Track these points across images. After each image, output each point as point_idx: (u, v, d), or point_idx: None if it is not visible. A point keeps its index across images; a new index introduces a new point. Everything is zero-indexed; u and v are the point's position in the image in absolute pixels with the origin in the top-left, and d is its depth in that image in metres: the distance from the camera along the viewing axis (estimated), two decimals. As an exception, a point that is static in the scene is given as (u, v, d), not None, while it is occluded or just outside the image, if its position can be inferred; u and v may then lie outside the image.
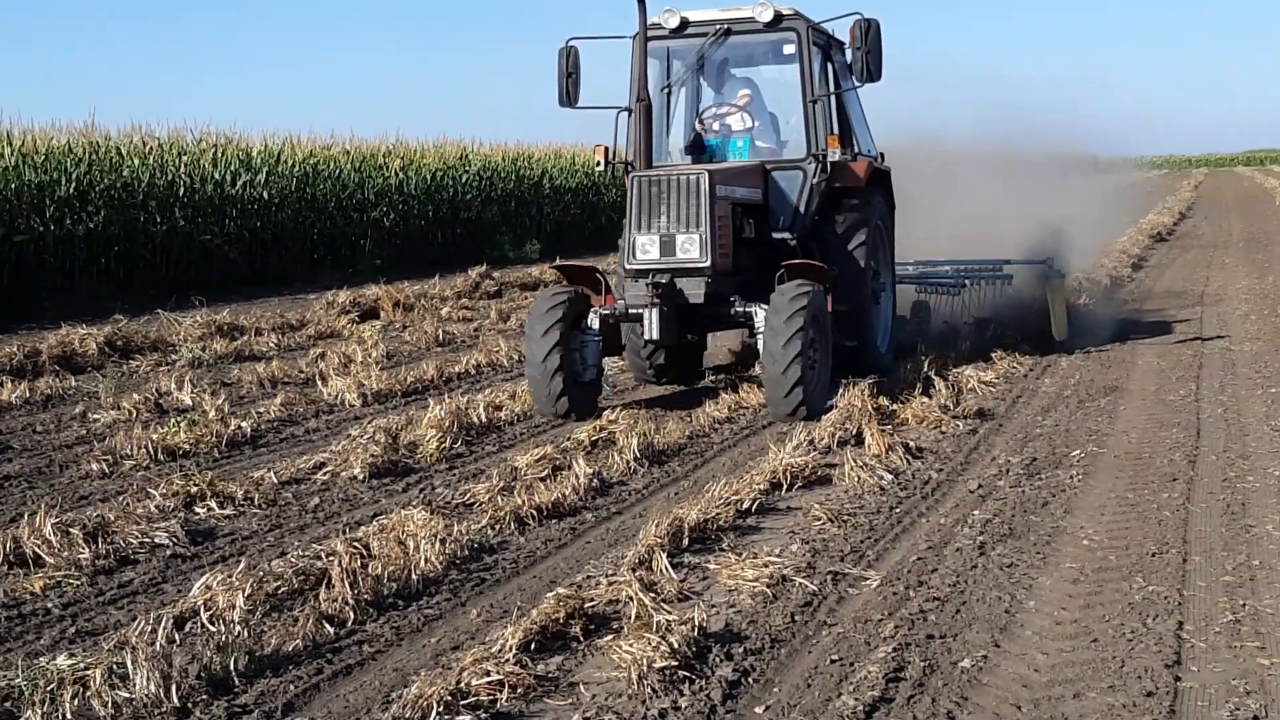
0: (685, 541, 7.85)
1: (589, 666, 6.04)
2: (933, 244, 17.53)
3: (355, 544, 7.35)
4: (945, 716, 5.46)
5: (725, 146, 13.48)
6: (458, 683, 5.58)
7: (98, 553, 7.61)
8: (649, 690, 5.65)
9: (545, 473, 9.59)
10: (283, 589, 6.94)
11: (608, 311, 12.14)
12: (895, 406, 11.63)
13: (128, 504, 8.60)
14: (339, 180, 28.89)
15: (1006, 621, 6.60)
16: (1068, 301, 16.29)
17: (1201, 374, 13.79)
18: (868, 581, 7.25)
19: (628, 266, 11.93)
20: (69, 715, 5.21)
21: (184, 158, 25.08)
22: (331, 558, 7.08)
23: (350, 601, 6.70)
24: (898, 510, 8.77)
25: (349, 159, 29.90)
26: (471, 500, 8.91)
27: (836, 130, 13.27)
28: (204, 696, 5.62)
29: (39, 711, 5.32)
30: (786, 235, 12.81)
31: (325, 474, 9.68)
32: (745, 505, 8.65)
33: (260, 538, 8.19)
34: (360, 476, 9.58)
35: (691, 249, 11.66)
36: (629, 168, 12.75)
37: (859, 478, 9.37)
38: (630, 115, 12.86)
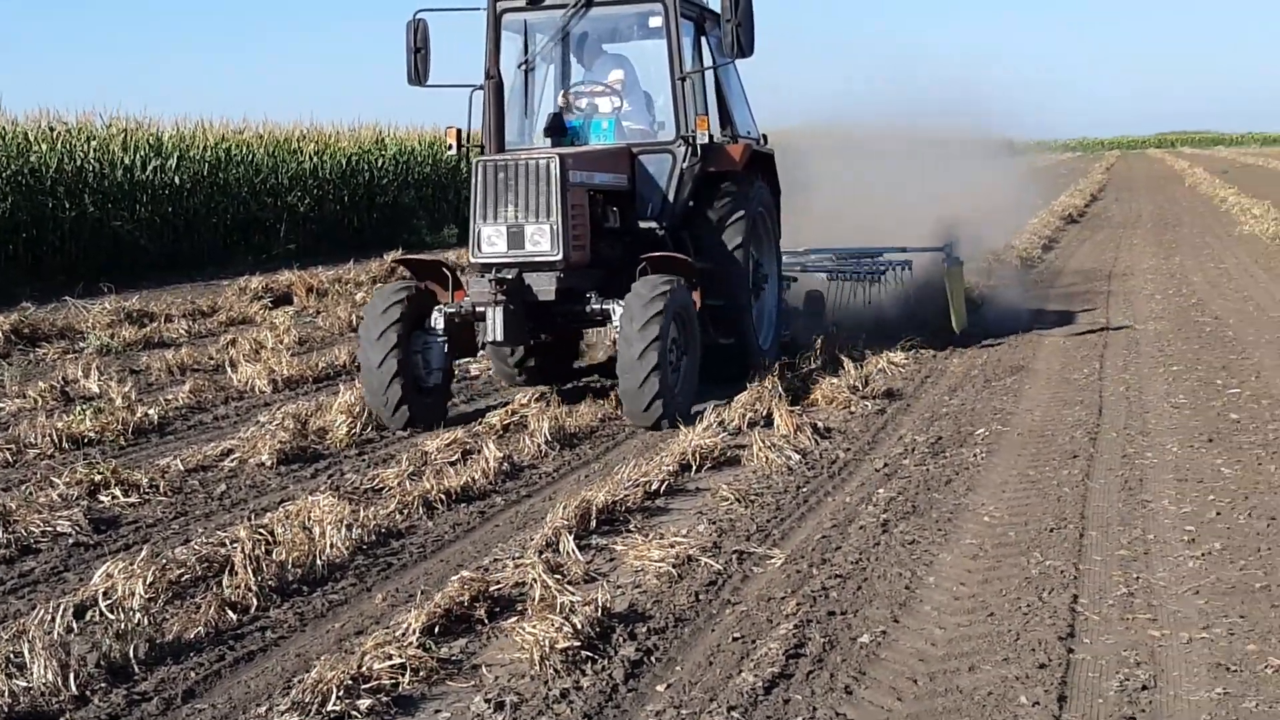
0: (593, 524, 7.89)
1: (493, 649, 6.07)
2: (840, 231, 17.50)
3: (260, 530, 7.32)
4: (843, 691, 5.55)
5: (588, 128, 12.39)
6: (359, 666, 5.59)
7: (-2, 542, 7.53)
8: (551, 671, 5.69)
9: (455, 457, 9.61)
10: (186, 576, 6.91)
11: (453, 310, 11.16)
12: (806, 387, 11.74)
13: (30, 492, 8.51)
14: (252, 165, 28.62)
15: (906, 597, 6.70)
16: (967, 290, 15.75)
17: (1106, 353, 14.04)
18: (772, 560, 7.33)
19: (473, 260, 11.07)
20: (-37, 706, 5.16)
21: (93, 143, 24.75)
22: (235, 544, 7.05)
23: (254, 588, 6.68)
24: (804, 490, 8.86)
25: (262, 144, 29.64)
26: (380, 485, 8.91)
27: (708, 110, 12.40)
28: (103, 684, 5.60)
29: (-67, 703, 5.27)
30: (654, 225, 11.88)
31: (233, 461, 9.63)
32: (654, 487, 8.71)
33: (165, 525, 8.13)
34: (268, 463, 9.54)
35: (542, 241, 10.76)
36: (481, 151, 11.69)
37: (767, 458, 9.47)
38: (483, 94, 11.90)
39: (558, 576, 6.79)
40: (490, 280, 10.74)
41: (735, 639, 6.14)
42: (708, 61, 12.76)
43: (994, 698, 5.43)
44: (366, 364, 10.79)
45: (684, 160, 11.98)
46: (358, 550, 7.54)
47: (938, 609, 6.55)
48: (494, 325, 10.71)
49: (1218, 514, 7.92)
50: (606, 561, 7.37)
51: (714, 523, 8.01)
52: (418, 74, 11.97)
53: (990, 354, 14.14)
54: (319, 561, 7.19)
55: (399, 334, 10.74)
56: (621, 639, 6.08)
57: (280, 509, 8.06)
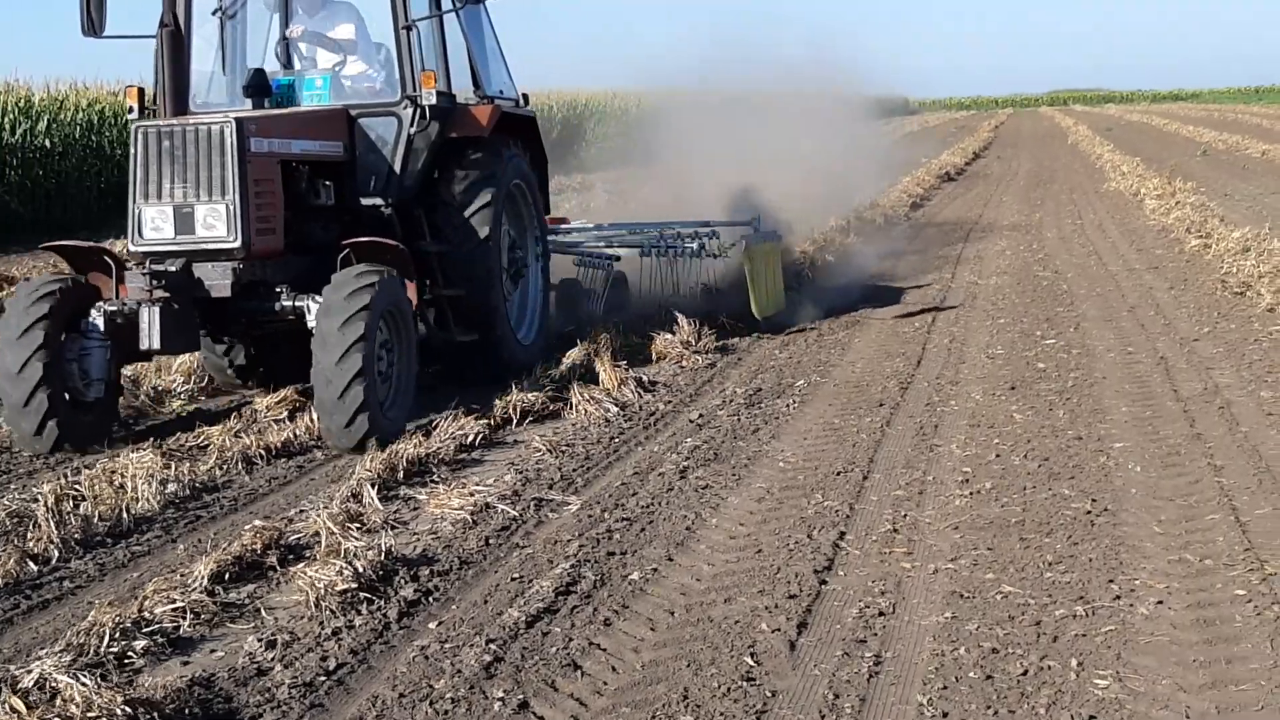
0: (401, 475, 8.19)
1: (280, 593, 6.36)
2: (693, 200, 16.87)
3: (69, 486, 7.54)
4: (601, 623, 5.91)
5: (300, 87, 10.71)
6: (139, 610, 5.86)
7: None
8: (327, 611, 6.00)
9: (284, 414, 9.84)
10: (-8, 531, 7.12)
11: (115, 307, 9.29)
12: (639, 341, 12.04)
13: None
14: (127, 128, 28.29)
15: (685, 537, 7.09)
16: (775, 271, 13.84)
17: (942, 306, 14.54)
18: (569, 506, 7.68)
19: (133, 248, 9.28)
20: None
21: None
22: (38, 500, 7.27)
23: (56, 540, 6.92)
24: (617, 440, 9.22)
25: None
26: (206, 443, 9.13)
27: (447, 65, 10.88)
28: (-110, 633, 5.82)
29: None
30: (379, 202, 10.40)
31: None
32: (470, 440, 9.02)
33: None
34: (99, 423, 9.69)
35: (216, 224, 9.04)
36: (153, 115, 10.18)
37: (587, 411, 9.82)
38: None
39: (357, 525, 7.11)
40: (145, 274, 9.13)
41: (514, 579, 6.49)
42: (437, 7, 11.02)
43: (740, 626, 5.82)
44: (3, 370, 8.87)
45: (411, 124, 10.47)
46: (169, 504, 7.80)
47: (712, 547, 6.94)
48: (148, 329, 9.01)
49: (997, 456, 8.39)
50: (410, 510, 7.68)
51: (521, 473, 8.35)
52: (92, 25, 10.13)
53: (831, 308, 14.51)
54: (126, 516, 7.43)
55: (46, 332, 8.89)
56: (403, 581, 6.39)
57: (98, 466, 8.26)
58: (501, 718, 4.98)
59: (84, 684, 4.84)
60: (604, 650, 5.62)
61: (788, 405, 10.10)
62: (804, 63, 27.32)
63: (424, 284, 10.17)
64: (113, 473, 7.91)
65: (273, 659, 5.52)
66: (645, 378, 10.95)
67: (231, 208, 9.05)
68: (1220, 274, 15.23)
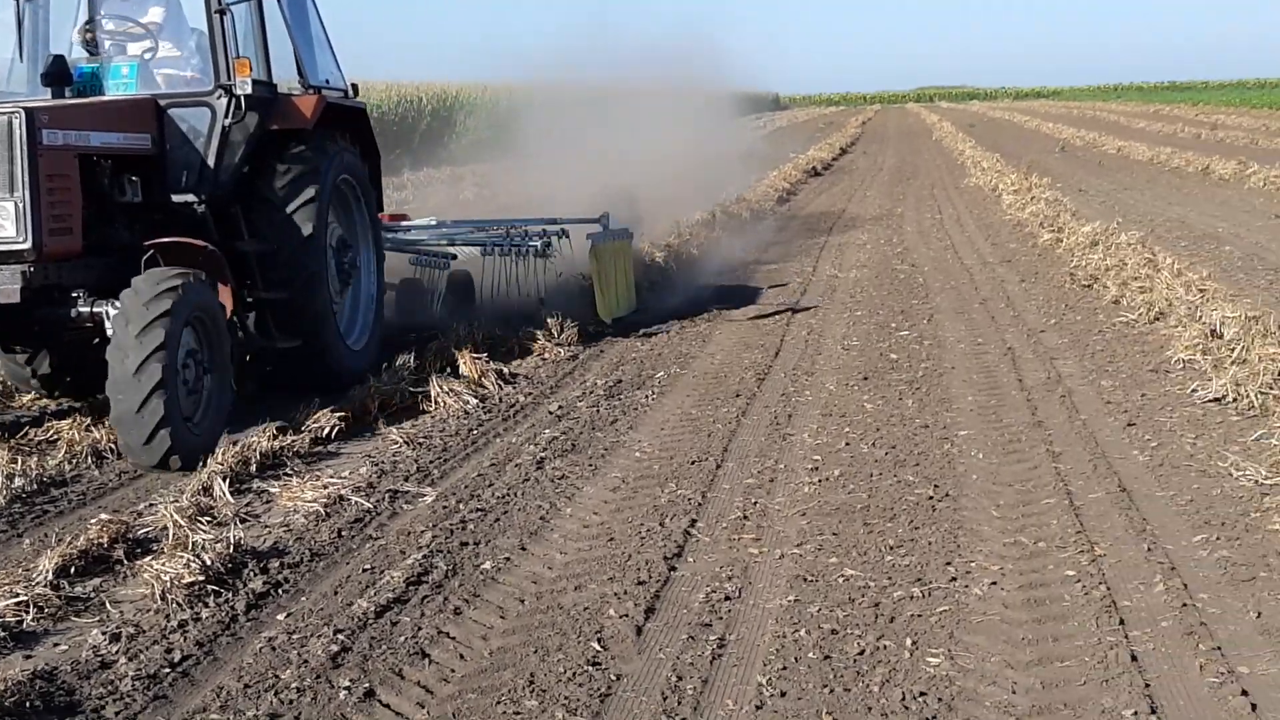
0: (254, 468, 8.15)
1: (126, 587, 6.31)
2: (548, 195, 16.86)
3: (-91, 482, 7.40)
4: (451, 612, 5.96)
5: (105, 74, 10.01)
6: (-21, 607, 5.79)
7: None
8: (174, 604, 5.97)
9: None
10: None
11: None
12: (500, 334, 12.07)
13: None
14: None
15: (539, 527, 7.16)
16: (625, 271, 13.69)
17: (802, 299, 14.77)
18: (425, 498, 7.71)
19: None
20: None
21: None
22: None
23: (-106, 537, 6.78)
24: (475, 432, 9.26)
25: None
26: (55, 437, 8.99)
27: (267, 52, 10.27)
28: None
29: None
30: (191, 198, 9.70)
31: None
32: (325, 432, 9.00)
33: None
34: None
35: (3, 224, 8.35)
36: None
37: (446, 403, 9.84)
38: None
39: (205, 518, 7.07)
40: None
41: (365, 570, 6.51)
42: None
43: (589, 612, 5.90)
44: None
45: (226, 115, 9.76)
46: (16, 499, 7.68)
47: (565, 536, 7.02)
48: None
49: (846, 444, 8.58)
50: (262, 504, 7.65)
51: (377, 465, 8.35)
52: None
53: (693, 302, 14.67)
54: (-31, 511, 7.32)
55: None
56: (253, 573, 6.38)
57: (-59, 462, 8.11)
58: (347, 706, 5.01)
59: (-81, 680, 4.78)
60: (453, 639, 5.67)
61: (647, 396, 10.21)
62: (673, 58, 27.50)
63: (244, 287, 9.71)
64: (-44, 468, 7.76)
65: (117, 651, 5.49)
66: (506, 370, 10.98)
67: (21, 205, 8.31)
68: (1070, 267, 15.68)
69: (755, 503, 7.47)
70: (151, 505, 7.50)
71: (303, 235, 9.94)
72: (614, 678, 5.23)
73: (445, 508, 7.50)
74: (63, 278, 8.78)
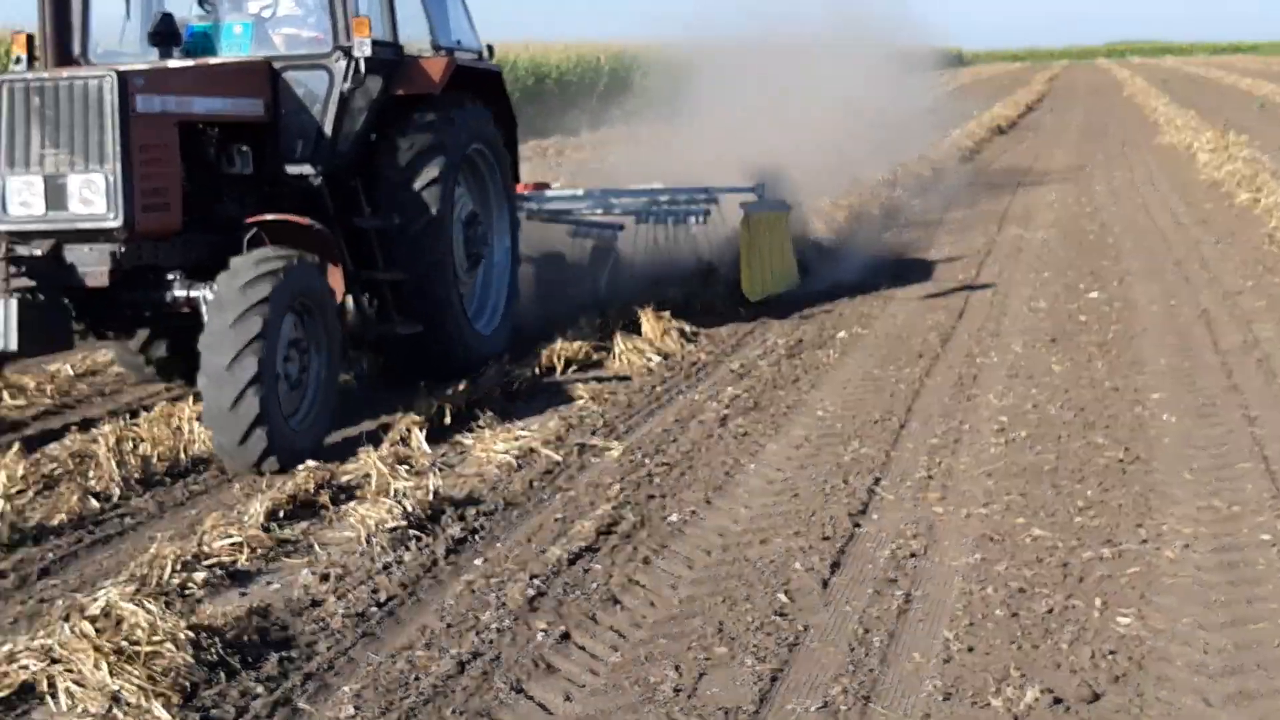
0: (449, 420, 8.41)
1: (331, 530, 6.60)
2: (726, 159, 16.27)
3: (129, 428, 7.80)
4: (641, 561, 6.12)
5: (217, 35, 9.32)
6: (199, 545, 6.12)
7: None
8: (378, 547, 6.24)
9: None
10: (57, 470, 7.40)
11: None
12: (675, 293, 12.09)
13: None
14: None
15: (724, 482, 7.28)
16: (781, 245, 12.57)
17: (986, 260, 14.62)
18: (611, 451, 7.88)
19: None
20: None
21: None
22: (98, 441, 7.53)
23: (117, 479, 7.18)
24: (659, 389, 9.41)
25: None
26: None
27: (392, 10, 9.50)
28: (-38, 564, 6.11)
29: None
30: (307, 170, 8.88)
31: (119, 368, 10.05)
32: (515, 387, 9.23)
33: (44, 422, 8.61)
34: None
35: (93, 198, 7.65)
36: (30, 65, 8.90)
37: (629, 360, 10.01)
38: None
39: (404, 466, 7.34)
40: (2, 259, 7.77)
41: (557, 520, 6.71)
42: None
43: (774, 565, 6.01)
44: None
45: (346, 80, 8.94)
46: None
47: (750, 492, 7.13)
48: (2, 327, 7.61)
49: (1034, 406, 8.52)
50: (457, 454, 7.90)
51: (565, 419, 8.55)
52: None
53: (873, 259, 14.61)
54: (184, 456, 7.70)
55: None
56: (450, 520, 6.62)
57: (156, 409, 8.52)
58: (545, 647, 5.19)
59: (149, 611, 5.08)
60: (643, 587, 5.83)
61: (828, 355, 10.25)
62: (850, 14, 27.05)
63: (362, 267, 8.99)
64: (170, 416, 8.15)
65: (326, 591, 5.76)
66: (687, 328, 11.09)
67: (111, 179, 7.61)
68: (1269, 228, 15.22)
69: (940, 462, 7.48)
70: (353, 454, 7.77)
71: (428, 210, 9.20)
72: (801, 628, 5.33)
73: (631, 461, 7.67)
74: (159, 258, 8.10)
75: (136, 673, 4.73)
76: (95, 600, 5.28)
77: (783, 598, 5.63)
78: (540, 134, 33.08)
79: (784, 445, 7.95)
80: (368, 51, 8.83)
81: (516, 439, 7.91)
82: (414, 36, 9.83)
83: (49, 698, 4.73)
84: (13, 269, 7.70)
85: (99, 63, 8.99)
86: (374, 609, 5.59)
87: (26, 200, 7.71)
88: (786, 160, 15.50)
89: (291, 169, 8.91)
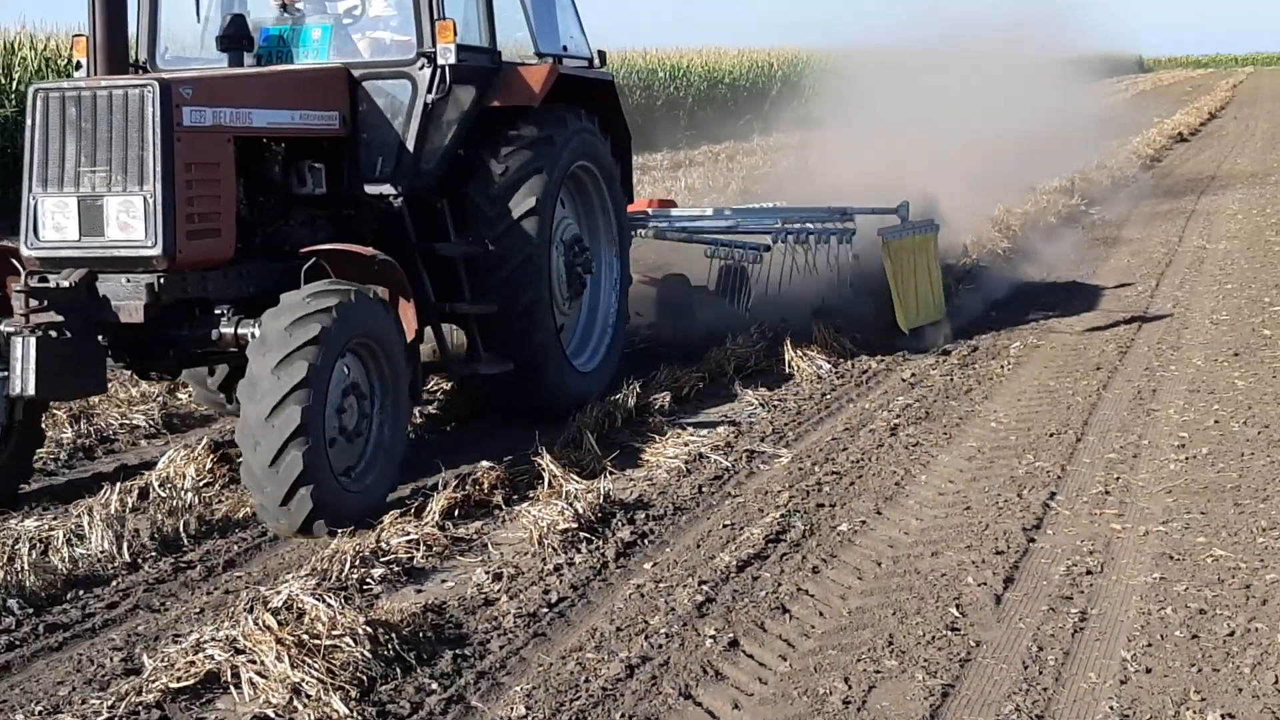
0: (620, 423, 8.47)
1: (504, 530, 6.71)
2: (879, 171, 14.88)
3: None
4: (810, 570, 6.10)
5: (294, 39, 8.46)
6: (377, 542, 6.28)
7: (79, 432, 8.35)
8: (550, 548, 6.32)
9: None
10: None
11: (12, 327, 6.82)
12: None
13: (113, 389, 9.25)
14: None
15: (894, 492, 7.23)
16: (929, 270, 11.35)
17: (1167, 271, 14.26)
18: (780, 459, 7.88)
19: (27, 252, 7.01)
20: (26, 568, 5.93)
21: None
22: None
23: (299, 475, 7.36)
24: (828, 396, 9.37)
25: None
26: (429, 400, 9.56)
27: (472, 12, 8.75)
28: (153, 554, 6.35)
29: None
30: (388, 190, 8.09)
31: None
32: (685, 391, 9.27)
33: (233, 420, 8.88)
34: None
35: (132, 223, 6.82)
36: (75, 73, 8.11)
37: (800, 367, 9.97)
38: None
39: (575, 469, 7.41)
40: (20, 291, 6.79)
41: (725, 526, 6.72)
42: None
43: (946, 579, 5.95)
44: None
45: (431, 90, 8.07)
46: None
47: (920, 503, 7.06)
48: (19, 368, 6.67)
49: (1215, 422, 8.29)
50: (627, 458, 7.95)
51: (734, 425, 8.56)
52: None
53: (1051, 268, 14.36)
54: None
55: None
56: (620, 523, 6.68)
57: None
58: (713, 654, 5.21)
59: (329, 605, 5.23)
60: (812, 596, 5.82)
61: (1002, 366, 10.10)
62: (1019, 20, 26.45)
63: (447, 298, 8.15)
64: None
65: (499, 590, 5.86)
66: (858, 335, 11.00)
67: (151, 201, 6.76)
68: None
69: (1117, 478, 7.33)
70: (523, 454, 7.87)
71: (523, 237, 8.35)
72: (973, 644, 5.27)
73: (801, 469, 7.65)
74: (207, 290, 7.20)
75: (317, 666, 4.86)
76: (278, 593, 5.44)
77: (954, 612, 5.57)
78: (713, 139, 33.12)
79: (956, 456, 7.86)
80: (452, 58, 7.98)
81: (686, 444, 7.95)
82: (519, 41, 9.16)
83: (233, 687, 4.88)
84: (34, 303, 6.73)
85: (166, 69, 8.30)
86: (545, 609, 5.66)
87: (60, 223, 6.87)
88: (958, 166, 15.34)
89: (370, 189, 8.12)
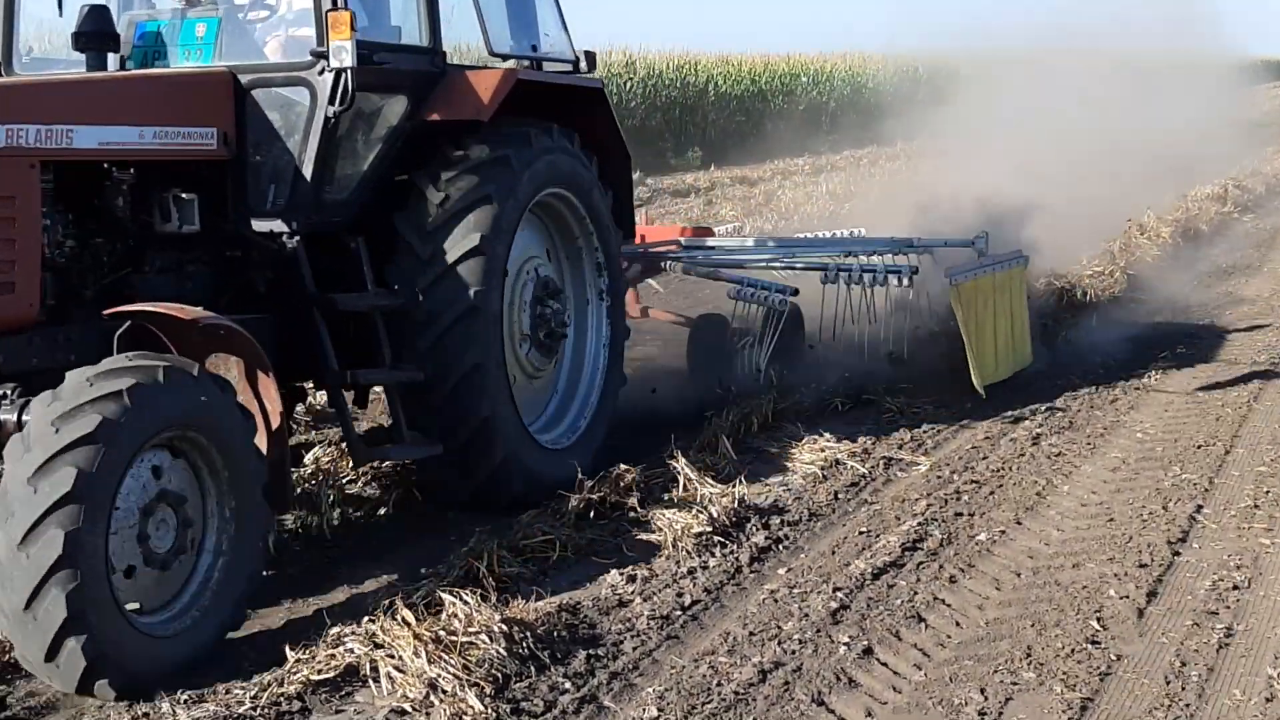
0: (755, 428, 8.45)
1: (638, 532, 6.73)
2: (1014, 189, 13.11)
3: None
4: (946, 580, 6.03)
5: (172, 35, 6.90)
6: (515, 540, 6.35)
7: None
8: (684, 551, 6.33)
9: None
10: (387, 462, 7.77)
11: None
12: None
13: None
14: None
15: (1035, 502, 7.11)
16: (1013, 314, 9.62)
17: (1324, 279, 13.84)
18: (918, 466, 7.80)
19: None
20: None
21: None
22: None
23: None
24: (969, 404, 9.15)
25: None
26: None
27: (393, 4, 7.30)
28: (297, 547, 6.50)
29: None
30: (278, 226, 6.53)
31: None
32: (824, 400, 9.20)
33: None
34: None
35: None
36: None
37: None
38: None
39: (710, 473, 7.39)
40: None
41: (861, 533, 6.68)
42: None
43: (1087, 591, 5.84)
44: None
45: (334, 100, 6.38)
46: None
47: (1062, 514, 6.94)
48: None
49: (1373, 436, 8.03)
50: (762, 463, 7.93)
51: (872, 432, 8.48)
52: None
53: (1204, 279, 14.00)
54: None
55: None
56: (755, 528, 6.67)
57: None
58: (847, 661, 5.18)
59: (465, 602, 5.29)
60: (948, 605, 5.75)
61: (1150, 375, 9.86)
62: (1159, 20, 25.52)
63: (352, 363, 6.55)
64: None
65: (633, 592, 5.89)
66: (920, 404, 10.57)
67: None
68: None
69: (1268, 491, 7.13)
70: (657, 457, 7.86)
71: (462, 283, 6.70)
72: (1114, 657, 5.17)
73: (939, 477, 7.57)
74: (3, 361, 5.50)
75: (453, 662, 4.93)
76: (417, 589, 5.54)
77: (1095, 625, 5.46)
78: (856, 144, 32.88)
79: (1099, 467, 7.71)
80: (348, 60, 6.23)
81: (823, 450, 7.91)
82: (472, 40, 7.76)
83: (371, 681, 4.97)
84: None
85: (24, 74, 7.09)
86: (678, 612, 5.67)
87: None
88: (1103, 169, 15.02)
89: (259, 225, 6.54)
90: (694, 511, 6.62)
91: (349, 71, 6.28)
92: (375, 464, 7.23)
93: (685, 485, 7.03)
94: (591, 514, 6.88)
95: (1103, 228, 14.39)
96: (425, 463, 6.91)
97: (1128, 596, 5.75)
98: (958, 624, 5.57)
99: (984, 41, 22.22)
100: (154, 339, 5.51)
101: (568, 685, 4.98)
